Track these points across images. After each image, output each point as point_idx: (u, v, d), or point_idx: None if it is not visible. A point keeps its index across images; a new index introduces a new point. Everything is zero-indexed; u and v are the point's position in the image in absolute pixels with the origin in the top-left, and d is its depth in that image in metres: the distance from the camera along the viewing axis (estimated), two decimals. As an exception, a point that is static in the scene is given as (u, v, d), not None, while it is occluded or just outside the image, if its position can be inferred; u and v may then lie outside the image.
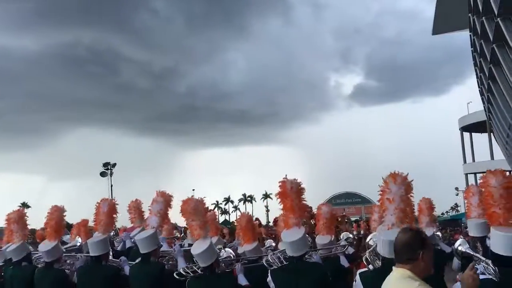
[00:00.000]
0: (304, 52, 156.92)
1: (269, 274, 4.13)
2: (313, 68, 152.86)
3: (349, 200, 53.97)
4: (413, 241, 2.50)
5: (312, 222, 6.56)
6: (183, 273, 4.14)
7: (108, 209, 5.32)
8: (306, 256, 4.20)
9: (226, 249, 5.01)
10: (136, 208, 6.60)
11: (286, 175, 4.24)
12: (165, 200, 5.30)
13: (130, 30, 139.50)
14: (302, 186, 4.24)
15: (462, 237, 7.79)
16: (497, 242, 3.21)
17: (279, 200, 4.30)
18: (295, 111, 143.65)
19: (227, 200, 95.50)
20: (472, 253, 3.88)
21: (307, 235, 5.16)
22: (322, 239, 5.22)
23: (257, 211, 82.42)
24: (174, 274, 4.20)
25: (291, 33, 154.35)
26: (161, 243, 5.45)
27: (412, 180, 3.63)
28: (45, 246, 5.30)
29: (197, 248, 4.05)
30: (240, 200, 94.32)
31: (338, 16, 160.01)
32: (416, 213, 6.17)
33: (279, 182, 4.23)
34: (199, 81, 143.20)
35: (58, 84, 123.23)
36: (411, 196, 3.67)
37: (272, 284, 4.07)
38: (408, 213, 3.63)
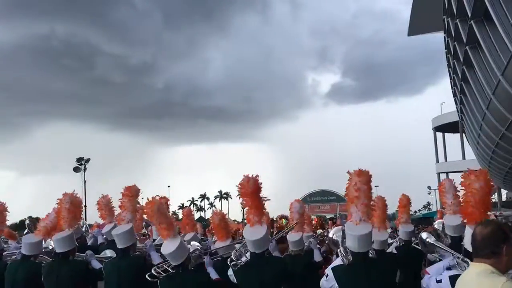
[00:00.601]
0: (282, 50, 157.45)
1: (230, 269, 4.23)
2: (291, 66, 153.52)
3: (324, 198, 54.46)
4: (495, 235, 2.35)
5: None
6: (155, 273, 4.09)
7: (71, 204, 5.20)
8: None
9: (192, 242, 4.99)
10: (105, 205, 6.50)
11: (246, 174, 4.24)
12: (134, 194, 5.21)
13: (106, 23, 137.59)
14: (260, 184, 4.26)
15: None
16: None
17: (241, 199, 4.34)
18: (272, 108, 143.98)
19: (203, 197, 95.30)
20: (440, 246, 3.96)
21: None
22: (293, 237, 5.23)
23: (233, 208, 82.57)
24: (146, 276, 4.14)
25: (270, 31, 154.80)
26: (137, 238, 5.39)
27: (371, 176, 3.72)
28: (28, 238, 5.21)
29: (167, 247, 4.02)
30: (216, 197, 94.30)
31: (316, 15, 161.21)
32: (396, 209, 6.27)
33: (240, 182, 4.24)
34: (177, 77, 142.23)
35: (31, 77, 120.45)
36: (372, 191, 3.76)
37: (233, 277, 4.19)
38: (371, 206, 3.77)
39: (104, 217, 6.51)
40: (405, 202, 5.96)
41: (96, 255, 5.33)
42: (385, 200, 5.36)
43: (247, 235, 4.15)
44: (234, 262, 4.18)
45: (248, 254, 4.21)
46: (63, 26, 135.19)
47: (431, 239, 4.11)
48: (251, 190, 4.18)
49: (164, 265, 4.14)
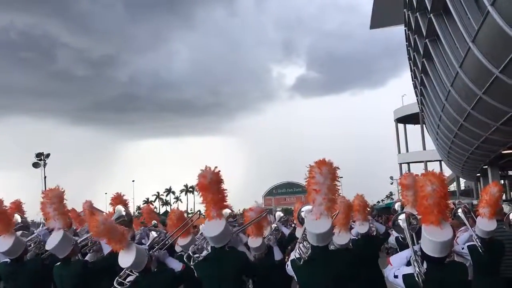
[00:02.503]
0: (248, 42, 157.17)
1: (191, 262, 4.11)
2: (257, 59, 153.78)
3: (290, 190, 54.76)
4: None
5: None
6: (118, 287, 3.85)
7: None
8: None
9: (152, 232, 4.84)
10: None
11: (205, 166, 4.05)
12: (56, 196, 4.72)
13: (68, 15, 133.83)
14: (220, 176, 4.09)
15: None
16: (425, 242, 3.26)
17: (199, 193, 4.14)
18: (238, 101, 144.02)
19: (168, 191, 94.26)
20: (406, 234, 3.91)
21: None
22: (253, 243, 5.10)
23: (199, 202, 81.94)
24: (115, 283, 3.88)
25: (235, 23, 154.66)
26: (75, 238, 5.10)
27: (337, 167, 3.49)
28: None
29: (125, 260, 3.80)
30: (181, 191, 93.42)
31: (281, 7, 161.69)
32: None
33: (198, 174, 4.04)
34: (141, 70, 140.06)
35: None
36: (337, 183, 3.52)
37: (196, 272, 4.10)
38: (335, 201, 3.58)
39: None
40: (359, 203, 5.88)
41: None
42: (349, 203, 5.24)
43: (206, 231, 4.07)
44: (193, 257, 4.11)
45: (209, 248, 4.14)
46: (22, 18, 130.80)
47: (403, 224, 4.00)
48: (209, 183, 4.02)
49: (126, 271, 3.92)
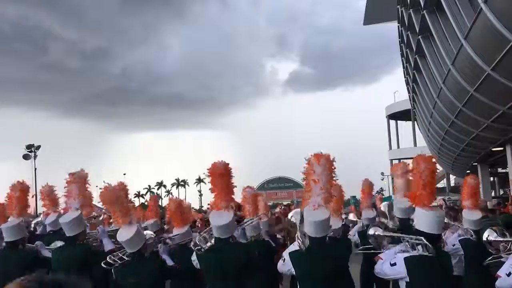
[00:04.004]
0: (241, 37, 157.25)
1: (194, 253, 4.21)
2: (250, 54, 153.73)
3: (282, 185, 54.97)
4: None
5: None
6: (110, 261, 4.01)
7: (20, 193, 5.01)
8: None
9: (146, 231, 4.90)
10: (48, 194, 6.24)
11: (217, 160, 4.21)
12: (80, 180, 5.02)
13: (60, 6, 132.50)
14: (231, 169, 4.24)
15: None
16: (421, 220, 3.45)
17: (210, 183, 4.26)
18: (231, 96, 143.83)
19: (160, 184, 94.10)
20: (391, 234, 4.07)
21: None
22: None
23: (190, 195, 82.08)
24: (102, 264, 4.06)
25: (229, 17, 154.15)
26: (87, 224, 5.24)
27: (334, 159, 3.67)
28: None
29: (123, 235, 3.95)
30: (173, 185, 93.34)
31: (275, 2, 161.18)
32: (360, 195, 6.32)
33: (210, 165, 4.18)
34: (134, 63, 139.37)
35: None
36: (333, 176, 3.71)
37: (196, 262, 4.16)
38: (331, 192, 3.72)
39: (47, 207, 6.29)
40: (368, 188, 6.02)
41: (47, 247, 5.15)
42: (341, 187, 5.39)
43: (213, 220, 4.10)
44: (198, 247, 4.16)
45: (213, 240, 4.18)
46: (14, 9, 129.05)
47: (379, 231, 4.19)
48: (220, 174, 4.12)
49: (119, 253, 4.06)
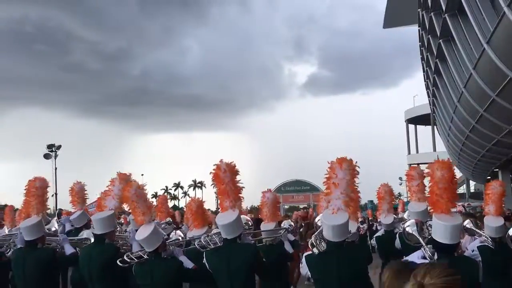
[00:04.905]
0: (260, 39, 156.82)
1: (204, 256, 4.19)
2: (268, 56, 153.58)
3: (298, 188, 54.79)
4: None
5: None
6: (127, 259, 4.05)
7: (39, 190, 5.05)
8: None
9: (177, 231, 4.94)
10: (78, 192, 6.35)
11: (221, 160, 4.14)
12: (122, 182, 5.01)
13: (81, 8, 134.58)
14: (236, 169, 4.18)
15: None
16: (435, 229, 3.38)
17: (214, 184, 4.26)
18: (249, 98, 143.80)
19: (177, 185, 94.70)
20: (417, 236, 3.97)
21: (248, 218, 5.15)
22: (266, 226, 5.21)
23: (207, 197, 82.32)
24: (118, 262, 4.08)
25: (247, 20, 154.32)
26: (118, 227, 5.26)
27: (357, 164, 3.62)
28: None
29: (142, 233, 4.00)
30: (190, 186, 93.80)
31: (293, 5, 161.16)
32: (376, 200, 6.27)
33: (214, 166, 4.14)
34: (153, 64, 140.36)
35: (2, 61, 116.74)
36: (356, 180, 3.66)
37: (207, 264, 4.14)
38: (353, 198, 3.65)
39: (75, 204, 6.39)
40: (385, 192, 5.93)
41: (70, 238, 5.22)
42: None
43: (218, 220, 4.10)
44: (205, 248, 4.16)
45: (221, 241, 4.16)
46: (37, 10, 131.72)
47: (411, 229, 4.08)
48: (223, 174, 4.09)
49: (139, 252, 4.10)
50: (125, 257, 4.05)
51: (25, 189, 5.17)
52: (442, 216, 3.40)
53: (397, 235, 5.74)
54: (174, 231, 5.79)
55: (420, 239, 3.73)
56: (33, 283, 4.60)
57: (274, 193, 5.63)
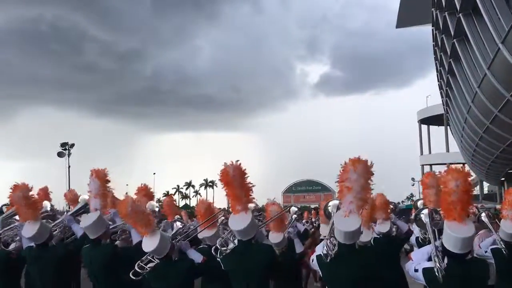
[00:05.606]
0: (272, 39, 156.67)
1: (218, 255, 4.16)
2: (280, 56, 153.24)
3: (310, 188, 54.75)
4: None
5: None
6: (139, 271, 3.99)
7: (25, 199, 4.73)
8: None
9: (177, 222, 4.89)
10: (71, 200, 6.33)
11: (225, 163, 4.04)
12: (101, 178, 4.90)
13: (95, 8, 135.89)
14: (243, 169, 4.07)
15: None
16: (448, 240, 3.28)
17: (223, 188, 4.12)
18: (260, 98, 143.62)
19: (188, 184, 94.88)
20: (429, 229, 3.87)
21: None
22: (275, 238, 5.12)
23: (218, 196, 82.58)
24: (130, 275, 3.99)
25: (259, 20, 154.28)
26: (114, 218, 5.21)
27: (372, 165, 3.43)
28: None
29: (149, 245, 3.95)
30: (201, 185, 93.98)
31: (306, 5, 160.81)
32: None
33: (221, 170, 4.04)
34: (165, 64, 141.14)
35: (16, 60, 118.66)
36: (370, 182, 3.46)
37: (223, 265, 4.12)
38: (367, 200, 3.53)
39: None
40: (381, 202, 5.82)
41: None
42: (374, 200, 5.18)
43: (232, 225, 4.07)
44: (220, 250, 4.13)
45: (236, 241, 4.14)
46: (52, 10, 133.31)
47: (426, 219, 3.98)
48: (232, 177, 4.02)
49: (148, 257, 4.05)
50: (136, 268, 3.99)
51: (9, 199, 5.04)
52: (454, 225, 3.24)
53: (413, 233, 5.75)
54: (175, 222, 5.76)
55: (431, 236, 3.65)
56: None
57: (278, 204, 5.47)
